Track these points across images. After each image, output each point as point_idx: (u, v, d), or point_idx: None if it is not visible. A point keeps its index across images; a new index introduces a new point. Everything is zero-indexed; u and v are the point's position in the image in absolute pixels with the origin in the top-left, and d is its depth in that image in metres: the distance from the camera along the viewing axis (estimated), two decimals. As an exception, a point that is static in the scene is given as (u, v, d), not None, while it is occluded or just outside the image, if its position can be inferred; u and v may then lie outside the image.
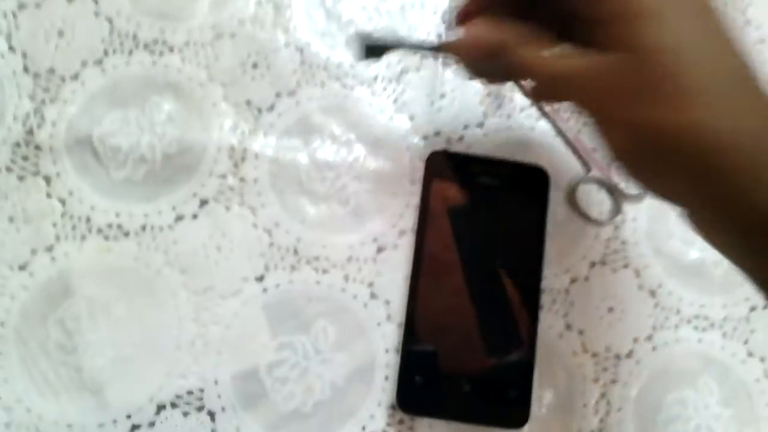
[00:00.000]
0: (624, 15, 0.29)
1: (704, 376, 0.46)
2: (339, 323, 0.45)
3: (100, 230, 0.45)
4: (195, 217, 0.45)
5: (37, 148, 0.46)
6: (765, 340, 0.46)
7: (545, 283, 0.46)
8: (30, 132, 0.46)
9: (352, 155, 0.47)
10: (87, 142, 0.46)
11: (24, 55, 0.47)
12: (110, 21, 0.48)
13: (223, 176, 0.46)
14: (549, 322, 0.45)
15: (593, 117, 0.32)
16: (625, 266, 0.47)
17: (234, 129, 0.47)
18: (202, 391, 0.43)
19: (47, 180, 0.45)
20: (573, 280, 0.46)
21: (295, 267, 0.45)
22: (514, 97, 0.49)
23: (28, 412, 0.42)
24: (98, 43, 0.48)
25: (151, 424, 0.43)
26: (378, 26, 0.50)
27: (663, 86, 0.29)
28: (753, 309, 0.47)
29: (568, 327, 0.46)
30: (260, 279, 0.45)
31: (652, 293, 0.46)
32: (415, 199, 0.46)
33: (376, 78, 0.49)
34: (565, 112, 0.49)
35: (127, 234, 0.45)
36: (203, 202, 0.46)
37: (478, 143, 0.48)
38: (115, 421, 0.42)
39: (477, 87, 0.49)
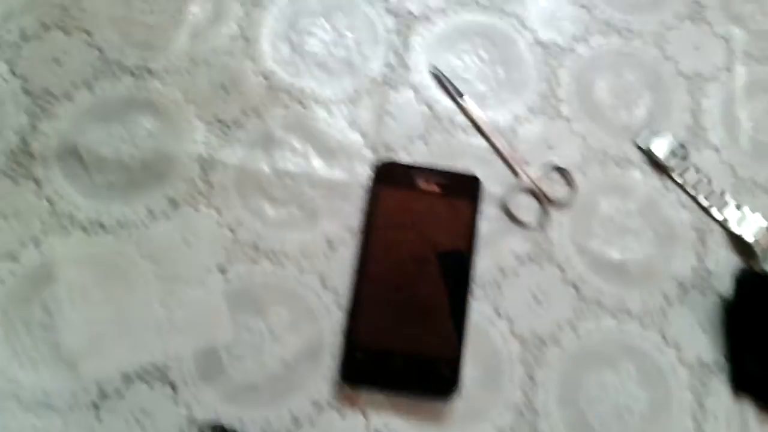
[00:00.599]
0: None
1: (623, 361, 0.53)
2: (292, 309, 0.53)
3: (82, 227, 0.53)
4: (166, 216, 0.54)
5: (31, 156, 0.55)
6: (679, 331, 0.53)
7: (477, 276, 0.53)
8: (25, 143, 0.55)
9: (309, 166, 0.56)
10: (74, 151, 0.56)
11: (24, 79, 0.57)
12: (101, 50, 0.59)
13: (193, 181, 0.55)
14: (480, 310, 0.53)
15: None
16: (551, 262, 0.54)
17: (205, 142, 0.57)
18: (166, 366, 0.51)
19: (38, 182, 0.54)
20: (503, 274, 0.54)
21: (255, 260, 0.54)
22: (454, 117, 0.58)
23: (9, 381, 0.50)
24: (89, 68, 0.58)
25: (119, 394, 0.50)
26: (336, 56, 0.59)
27: None
28: (668, 303, 0.55)
29: (498, 314, 0.53)
30: (223, 270, 0.53)
31: (576, 287, 0.54)
32: (365, 204, 0.55)
33: (332, 100, 0.58)
34: (500, 129, 0.58)
35: (105, 229, 0.53)
36: (174, 204, 0.55)
37: (421, 155, 0.58)
38: (86, 390, 0.49)
39: (422, 109, 0.58)
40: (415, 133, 0.59)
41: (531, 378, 0.53)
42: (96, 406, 0.49)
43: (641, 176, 0.60)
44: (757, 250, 0.57)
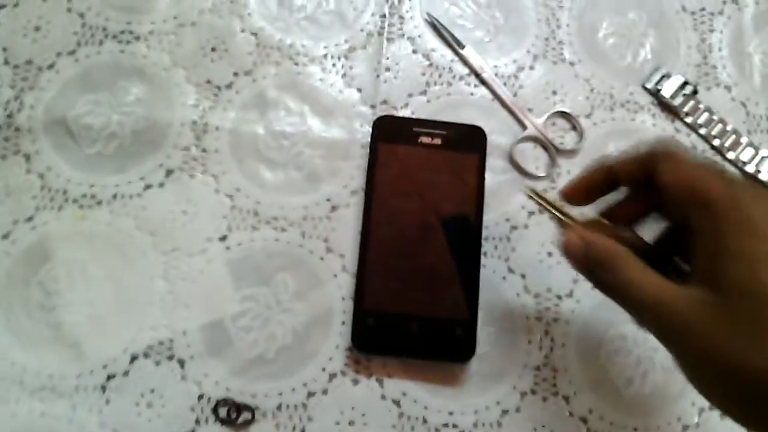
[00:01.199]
0: (745, 255, 0.31)
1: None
2: (298, 276, 0.51)
3: (75, 200, 0.52)
4: (162, 185, 0.52)
5: (17, 129, 0.53)
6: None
7: (487, 232, 0.52)
8: (10, 116, 0.53)
9: (305, 125, 0.54)
10: (62, 122, 0.53)
11: (4, 50, 0.55)
12: (82, 16, 0.56)
13: (187, 148, 0.53)
14: (492, 267, 0.52)
15: (676, 351, 0.34)
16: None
17: (196, 106, 0.54)
18: (172, 341, 0.49)
19: (27, 158, 0.52)
20: (513, 228, 0.52)
21: (256, 227, 0.52)
22: (453, 67, 0.56)
23: (12, 366, 0.48)
24: (71, 35, 0.56)
25: (126, 373, 0.48)
26: (326, 9, 0.58)
27: None
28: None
29: (510, 270, 0.52)
30: (223, 239, 0.51)
31: (588, 237, 0.52)
32: (365, 162, 0.53)
33: (326, 56, 0.56)
34: (502, 77, 0.55)
35: (100, 203, 0.52)
36: (169, 172, 0.52)
37: (422, 109, 0.55)
38: (92, 371, 0.48)
39: (419, 59, 0.56)
40: (414, 86, 0.57)
41: (548, 334, 0.51)
42: (103, 388, 0.48)
43: (650, 119, 0.58)
44: (774, 189, 0.55)
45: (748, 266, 0.30)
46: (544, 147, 0.55)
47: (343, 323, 0.51)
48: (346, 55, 0.57)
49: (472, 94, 0.57)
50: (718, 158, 0.57)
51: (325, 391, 0.49)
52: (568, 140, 0.56)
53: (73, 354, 0.49)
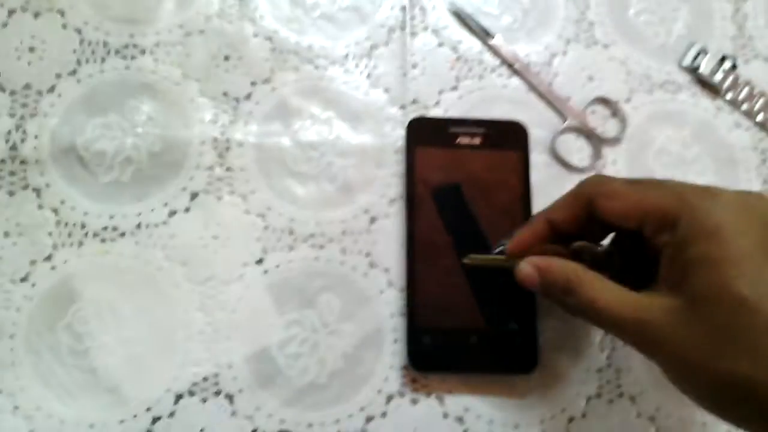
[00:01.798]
0: (709, 260, 0.31)
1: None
2: (342, 295, 0.49)
3: (96, 234, 0.48)
4: (187, 210, 0.49)
5: (23, 162, 0.49)
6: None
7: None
8: (14, 148, 0.49)
9: (333, 133, 0.51)
10: (71, 150, 0.49)
11: (-2, 75, 0.50)
12: (79, 31, 0.52)
13: (210, 168, 0.49)
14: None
15: (658, 362, 0.34)
16: (611, 206, 0.50)
17: (214, 121, 0.50)
18: (217, 376, 0.46)
19: (37, 192, 0.49)
20: (563, 226, 0.49)
21: (293, 246, 0.49)
22: (483, 58, 0.53)
23: (49, 418, 0.45)
24: (70, 54, 0.52)
25: (171, 414, 0.46)
26: (342, 5, 0.53)
27: (743, 339, 0.30)
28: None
29: (565, 270, 0.49)
30: (260, 262, 0.48)
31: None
32: (401, 168, 0.50)
33: (347, 56, 0.53)
34: (535, 66, 0.52)
35: (123, 234, 0.48)
36: (194, 195, 0.49)
37: (454, 106, 0.53)
38: (135, 416, 0.45)
39: (447, 53, 0.53)
40: (444, 81, 0.54)
41: (607, 334, 0.49)
42: (149, 432, 0.45)
43: (691, 99, 0.55)
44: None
45: (712, 271, 0.30)
46: (587, 137, 0.53)
47: (396, 341, 0.48)
48: (368, 54, 0.54)
49: (505, 86, 0.54)
50: (763, 135, 0.54)
51: (384, 414, 0.47)
52: (610, 128, 0.54)
53: (113, 399, 0.46)
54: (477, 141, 0.50)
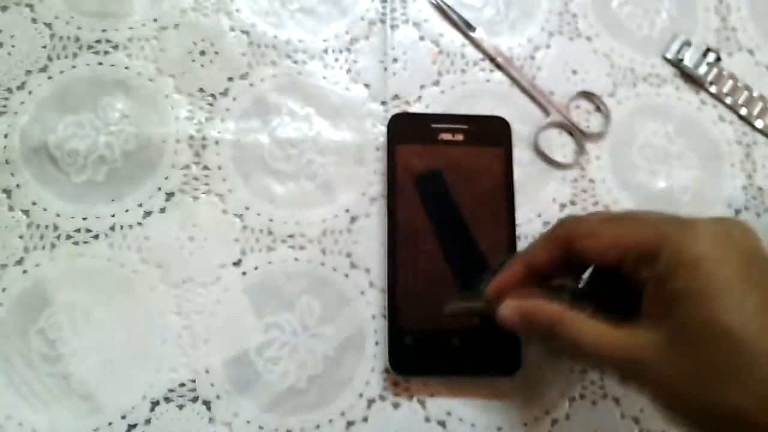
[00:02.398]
0: (691, 293, 0.31)
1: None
2: (322, 297, 0.47)
3: (68, 236, 0.46)
4: (163, 210, 0.47)
5: (-8, 162, 0.46)
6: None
7: (520, 230, 0.48)
8: (-18, 147, 0.47)
9: (313, 130, 0.49)
10: (43, 150, 0.47)
11: (-36, 72, 0.48)
12: (49, 26, 0.50)
13: (186, 167, 0.48)
14: (529, 267, 0.47)
15: (646, 395, 0.33)
16: (595, 203, 0.50)
17: (190, 118, 0.49)
18: (194, 381, 0.45)
19: (8, 193, 0.47)
20: (546, 223, 0.49)
21: (272, 247, 0.47)
22: (465, 52, 0.51)
23: (20, 427, 0.44)
24: (40, 49, 0.50)
25: (147, 422, 0.44)
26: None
27: (730, 370, 0.29)
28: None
29: (548, 270, 0.48)
30: (238, 263, 0.47)
31: (625, 226, 0.48)
32: (382, 165, 0.49)
33: (326, 50, 0.51)
34: (518, 60, 0.51)
35: (96, 236, 0.46)
36: (169, 195, 0.47)
37: (436, 102, 0.51)
38: (110, 424, 0.44)
39: (428, 47, 0.51)
40: (425, 76, 0.52)
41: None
42: (125, 441, 0.43)
43: (675, 92, 0.54)
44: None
45: (694, 303, 0.30)
46: (570, 132, 0.51)
47: (377, 343, 0.47)
48: (348, 48, 0.52)
49: (488, 80, 0.52)
50: (747, 128, 0.53)
51: (365, 419, 0.46)
52: (594, 123, 0.52)
53: (88, 407, 0.44)
54: (459, 137, 0.49)
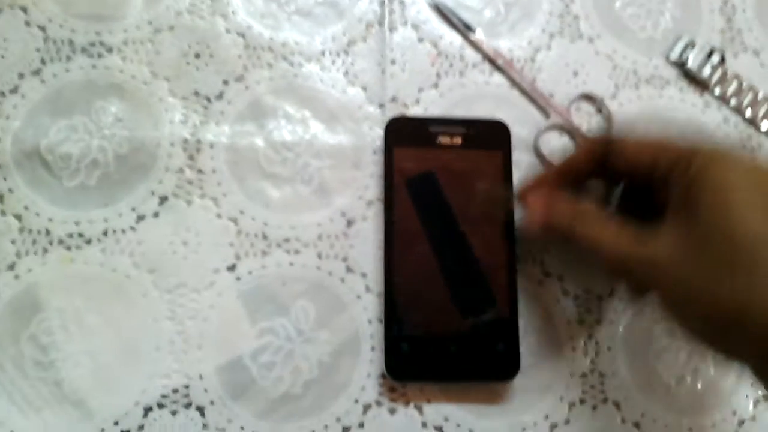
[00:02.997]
0: (721, 196, 0.33)
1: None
2: (318, 301, 0.47)
3: (61, 241, 0.46)
4: (156, 215, 0.47)
5: (-16, 166, 0.46)
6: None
7: (518, 234, 0.47)
8: (-25, 151, 0.46)
9: (309, 133, 0.49)
10: (35, 154, 0.47)
11: (-43, 75, 0.48)
12: (43, 29, 0.50)
13: (180, 170, 0.47)
14: (527, 271, 0.47)
15: (656, 294, 0.36)
16: (596, 207, 0.48)
17: (185, 122, 0.48)
18: (187, 387, 0.45)
19: (0, 198, 0.46)
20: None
21: (266, 252, 0.47)
22: (464, 54, 0.51)
23: (12, 434, 0.42)
24: (33, 53, 0.49)
25: (140, 428, 0.44)
26: (318, 0, 0.51)
27: (748, 267, 0.31)
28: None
29: (547, 274, 0.47)
30: (232, 268, 0.46)
31: (627, 230, 0.48)
32: (379, 169, 0.48)
33: (323, 53, 0.51)
34: (518, 61, 0.50)
35: (89, 241, 0.46)
36: (163, 199, 0.47)
37: (434, 104, 0.51)
38: (102, 430, 0.44)
39: (427, 49, 0.51)
40: (424, 78, 0.52)
41: (591, 338, 0.48)
42: (118, 448, 0.42)
43: (678, 95, 0.53)
44: (814, 159, 0.51)
45: (721, 208, 0.32)
46: (571, 135, 0.51)
47: (373, 349, 0.46)
48: (345, 50, 0.52)
49: (487, 83, 0.52)
50: (752, 131, 0.53)
51: (361, 425, 0.45)
52: (595, 125, 0.52)
53: (80, 413, 0.44)
54: (458, 141, 0.48)
